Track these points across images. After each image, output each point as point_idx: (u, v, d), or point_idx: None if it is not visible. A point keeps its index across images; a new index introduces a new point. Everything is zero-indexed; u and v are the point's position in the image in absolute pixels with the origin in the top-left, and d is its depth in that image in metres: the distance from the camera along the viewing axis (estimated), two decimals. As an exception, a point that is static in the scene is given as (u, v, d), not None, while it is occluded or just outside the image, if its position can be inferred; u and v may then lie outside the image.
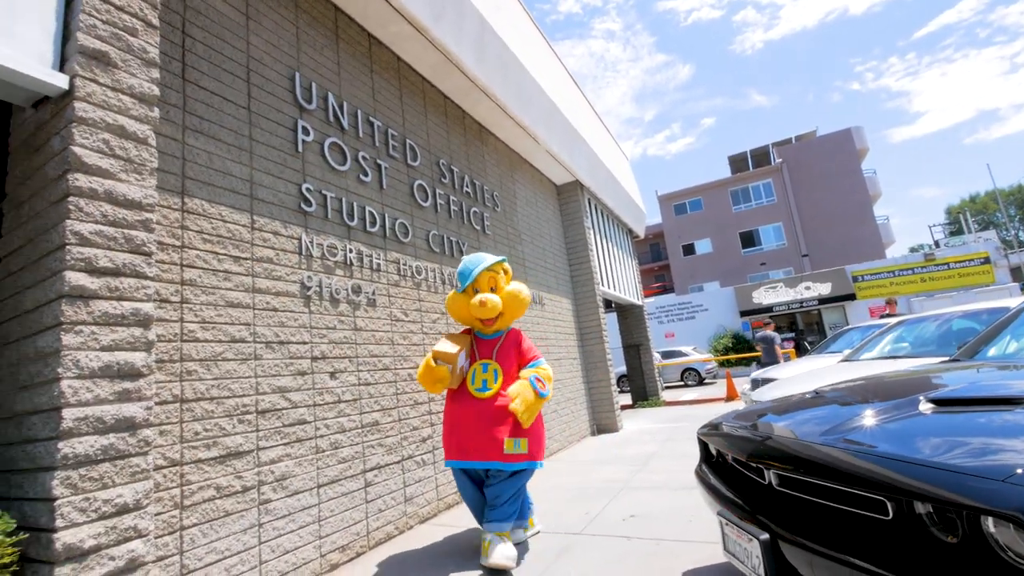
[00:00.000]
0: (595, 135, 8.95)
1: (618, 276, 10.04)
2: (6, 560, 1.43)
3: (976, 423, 1.44)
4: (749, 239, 31.63)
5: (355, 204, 3.74)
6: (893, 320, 5.89)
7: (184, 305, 2.45)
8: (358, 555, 3.16)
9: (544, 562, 2.79)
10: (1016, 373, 1.92)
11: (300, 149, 3.37)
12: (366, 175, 3.91)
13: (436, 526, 3.66)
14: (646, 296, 31.44)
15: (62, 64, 1.95)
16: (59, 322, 1.72)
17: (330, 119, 3.70)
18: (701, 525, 2.97)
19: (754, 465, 1.84)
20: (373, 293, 3.72)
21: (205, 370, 2.47)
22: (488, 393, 2.89)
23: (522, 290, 3.14)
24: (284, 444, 2.81)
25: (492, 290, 3.09)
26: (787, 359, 10.32)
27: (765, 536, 1.62)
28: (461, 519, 3.73)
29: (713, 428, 2.35)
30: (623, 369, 14.25)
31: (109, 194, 1.91)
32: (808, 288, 21.27)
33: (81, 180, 1.84)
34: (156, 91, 2.17)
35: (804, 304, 21.31)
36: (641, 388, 11.57)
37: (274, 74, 3.30)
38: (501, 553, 2.65)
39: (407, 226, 4.26)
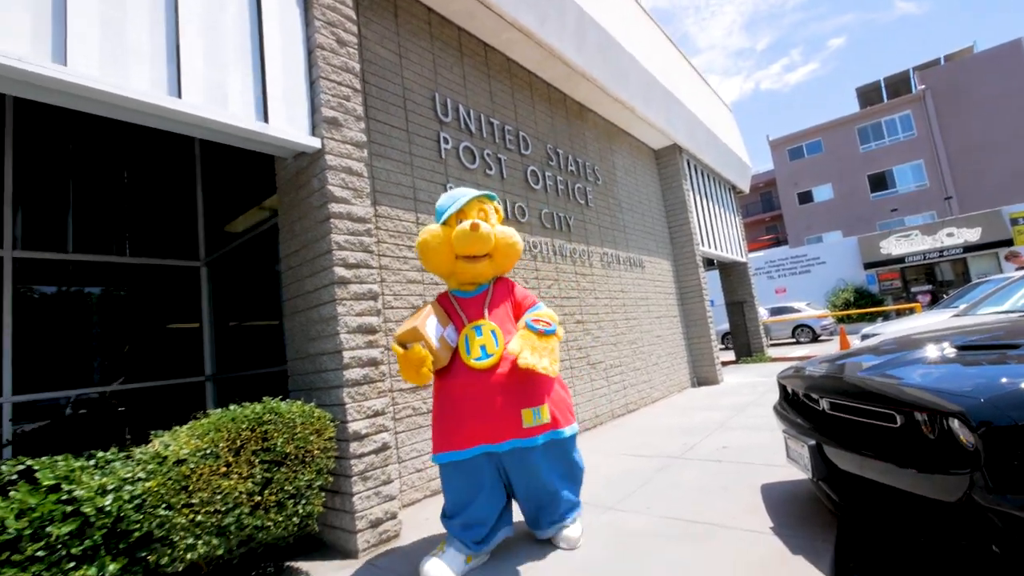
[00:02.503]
0: (694, 94, 8.95)
1: (720, 234, 10.10)
2: (330, 433, 2.52)
3: (967, 361, 1.92)
4: (880, 182, 28.22)
5: (484, 195, 4.60)
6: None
7: (383, 284, 3.49)
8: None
9: (645, 476, 3.57)
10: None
11: (443, 156, 4.27)
12: (490, 169, 4.75)
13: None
14: (755, 250, 29.74)
15: (312, 129, 2.96)
16: (334, 298, 2.78)
17: (461, 126, 4.54)
18: (783, 454, 3.54)
19: (813, 396, 2.43)
20: (501, 266, 4.61)
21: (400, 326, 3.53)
22: (491, 360, 2.31)
23: (514, 234, 2.56)
24: (450, 381, 3.85)
25: None
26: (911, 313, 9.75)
27: (812, 442, 2.24)
28: (579, 444, 4.63)
29: (789, 372, 2.92)
30: (726, 326, 14.19)
31: (349, 214, 2.93)
32: (951, 235, 18.87)
33: (334, 207, 2.86)
34: (364, 138, 3.13)
35: (944, 253, 18.99)
36: (745, 345, 11.62)
37: (420, 98, 4.19)
38: (569, 535, 2.44)
39: (524, 208, 5.06)
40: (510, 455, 2.33)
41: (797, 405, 2.72)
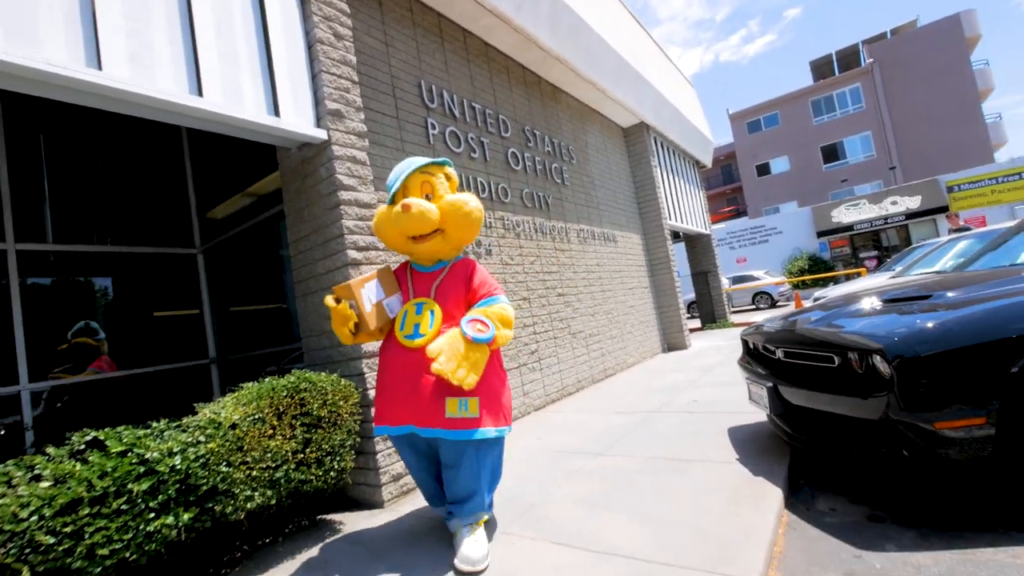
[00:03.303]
0: (659, 73, 9.30)
1: (685, 207, 10.62)
2: (355, 399, 2.82)
3: (889, 311, 2.38)
4: (832, 153, 29.59)
5: (470, 177, 4.85)
6: (954, 236, 6.28)
7: (382, 263, 3.74)
8: (498, 428, 4.57)
9: (627, 428, 4.02)
10: (952, 278, 2.75)
11: (431, 141, 4.49)
12: (474, 152, 4.99)
13: (548, 413, 5.02)
14: (717, 221, 30.83)
15: (317, 121, 3.15)
16: (349, 277, 3.03)
17: (446, 112, 4.75)
18: (747, 405, 4.05)
19: (770, 347, 2.87)
20: (489, 245, 4.91)
21: (402, 305, 3.81)
22: (419, 341, 2.19)
23: (468, 201, 2.32)
24: (448, 353, 4.17)
25: (427, 198, 2.33)
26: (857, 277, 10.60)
27: (770, 384, 2.69)
28: (563, 407, 5.06)
29: (750, 331, 3.37)
30: (692, 296, 14.94)
31: (357, 201, 3.16)
32: (895, 203, 20.17)
33: (343, 194, 3.09)
34: (365, 128, 3.34)
35: (889, 221, 20.32)
36: (710, 313, 12.34)
37: (408, 85, 4.38)
38: (467, 553, 2.11)
39: (506, 188, 5.34)
40: (433, 440, 2.26)
41: (757, 356, 3.18)
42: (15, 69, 1.97)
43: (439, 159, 2.45)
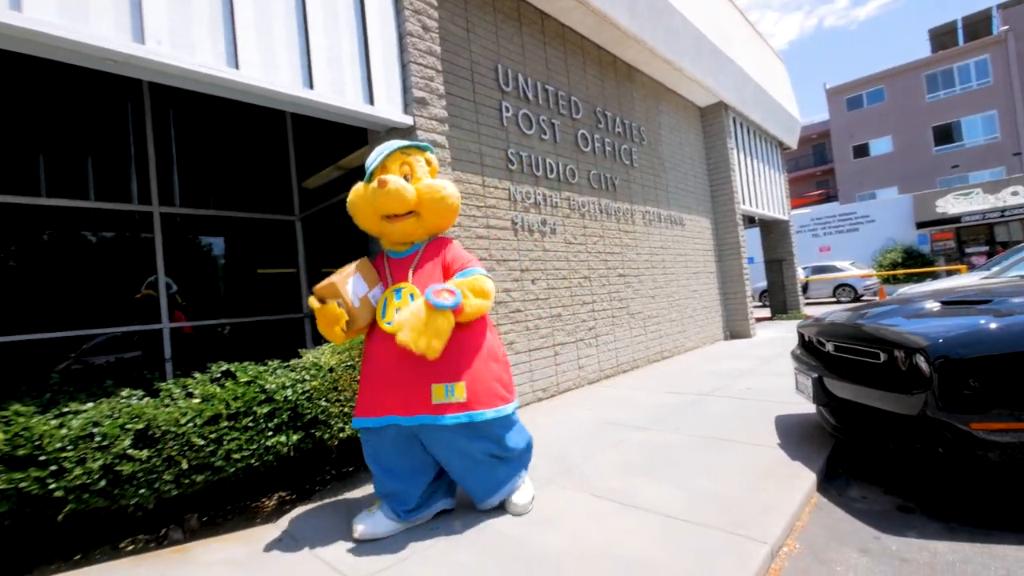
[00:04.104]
0: (744, 48, 8.88)
1: (762, 192, 10.19)
2: (427, 358, 3.23)
3: (943, 313, 2.40)
4: (945, 134, 26.47)
5: (539, 158, 5.08)
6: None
7: (457, 239, 4.11)
8: (551, 396, 4.90)
9: (676, 408, 4.19)
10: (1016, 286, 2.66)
11: (504, 123, 4.74)
12: (545, 134, 5.20)
13: (601, 387, 5.27)
14: (802, 205, 28.82)
15: (405, 108, 3.51)
16: (426, 251, 3.41)
17: (520, 95, 4.97)
18: (800, 396, 4.08)
19: (822, 340, 2.95)
20: (554, 224, 5.14)
21: (470, 277, 4.18)
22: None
23: (445, 186, 2.32)
24: (510, 323, 4.52)
25: (406, 179, 2.31)
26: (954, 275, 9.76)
27: (816, 375, 2.79)
28: (616, 383, 5.29)
29: (808, 323, 3.42)
30: (764, 284, 14.34)
31: (436, 181, 3.51)
32: (1015, 194, 17.91)
33: (425, 175, 3.44)
34: (446, 113, 3.67)
35: (1006, 214, 18.11)
36: (781, 302, 11.86)
37: (485, 70, 4.63)
38: (516, 500, 2.32)
39: (574, 170, 5.52)
40: (421, 430, 2.17)
41: (810, 348, 3.24)
42: (167, 69, 2.45)
43: (421, 144, 2.46)
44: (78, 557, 2.27)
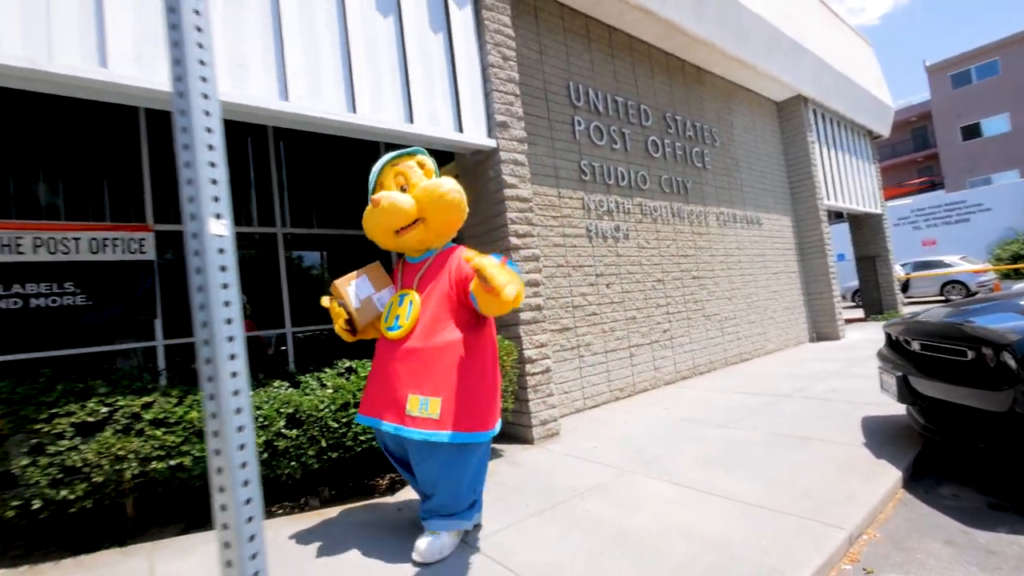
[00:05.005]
0: (824, 35, 8.52)
1: (850, 185, 9.64)
2: (515, 356, 3.57)
3: None
4: (1079, 106, 23.11)
5: (610, 168, 5.30)
6: None
7: (536, 248, 4.44)
8: (628, 396, 5.08)
9: (754, 408, 4.22)
10: None
11: (576, 136, 5.02)
12: (616, 143, 5.41)
13: (677, 388, 5.36)
14: (900, 196, 26.36)
15: (488, 132, 3.89)
16: (511, 259, 3.77)
17: (591, 108, 5.23)
18: (888, 398, 3.97)
19: (907, 338, 2.94)
20: (627, 229, 5.33)
21: (549, 281, 4.49)
22: (397, 332, 2.19)
23: (442, 183, 2.25)
24: (587, 326, 4.77)
25: (403, 189, 2.31)
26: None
27: (900, 374, 2.80)
28: (692, 384, 5.35)
29: (896, 322, 3.38)
30: (855, 283, 13.40)
31: (517, 196, 3.87)
32: None
33: (507, 191, 3.81)
34: (525, 134, 4.01)
35: None
36: (876, 302, 11.07)
37: (557, 88, 4.94)
38: (419, 544, 2.13)
39: (645, 176, 5.67)
40: (395, 436, 2.19)
41: (896, 347, 3.21)
42: (304, 119, 2.97)
43: (411, 148, 2.42)
44: (244, 515, 2.82)
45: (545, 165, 4.67)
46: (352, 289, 2.37)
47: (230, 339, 0.75)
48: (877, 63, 10.96)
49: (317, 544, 2.37)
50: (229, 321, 0.76)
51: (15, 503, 2.37)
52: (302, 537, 2.47)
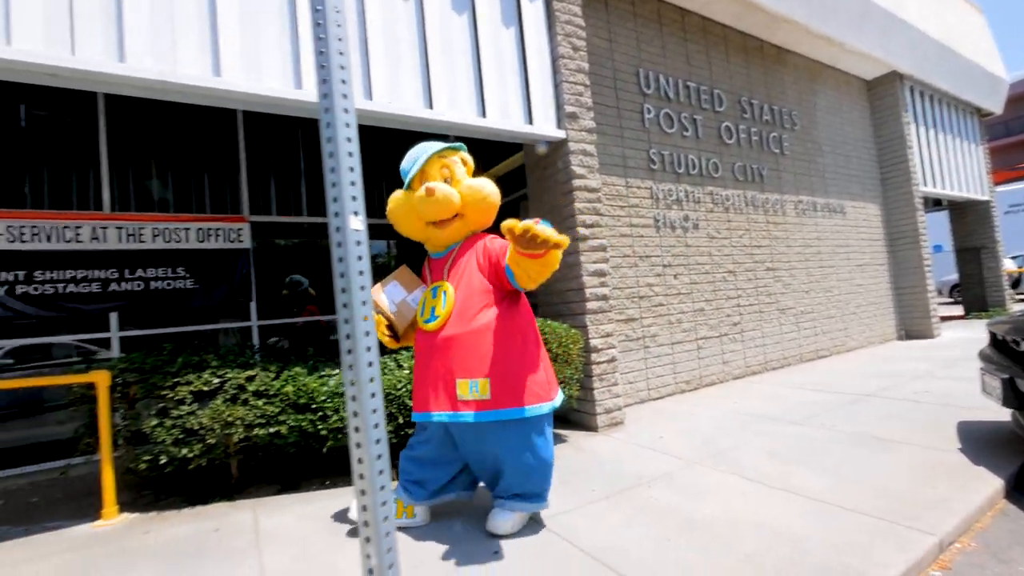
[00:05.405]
0: (924, 3, 7.73)
1: (952, 169, 8.76)
2: (580, 345, 3.62)
3: None
4: None
5: (680, 156, 5.16)
6: None
7: (603, 238, 4.44)
8: (694, 389, 4.98)
9: (831, 406, 4.01)
10: None
11: (645, 124, 4.93)
12: (687, 131, 5.25)
13: (747, 382, 5.19)
14: (1013, 179, 23.41)
15: (558, 123, 3.93)
16: (578, 249, 3.81)
17: (661, 95, 5.11)
18: (988, 402, 3.65)
19: (1016, 338, 2.70)
20: (696, 219, 5.19)
21: (615, 272, 4.48)
22: (435, 323, 2.21)
23: (485, 186, 2.32)
24: (652, 316, 4.72)
25: (446, 182, 2.31)
26: None
27: (1006, 376, 2.58)
28: (764, 380, 5.16)
29: (1000, 319, 3.10)
30: (955, 277, 12.18)
31: (585, 187, 3.89)
32: None
33: (576, 182, 3.84)
34: (594, 124, 4.02)
35: None
36: (979, 298, 10.02)
37: (626, 75, 4.87)
38: (503, 523, 2.22)
39: (717, 163, 5.47)
40: (451, 425, 2.21)
41: (1001, 347, 2.95)
42: (385, 116, 3.16)
43: (455, 143, 2.40)
44: (327, 482, 3.11)
45: (613, 155, 4.64)
46: (385, 296, 2.40)
47: (366, 318, 0.88)
48: (989, 32, 9.79)
49: (398, 511, 2.56)
50: (364, 303, 0.90)
51: (146, 458, 2.75)
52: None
